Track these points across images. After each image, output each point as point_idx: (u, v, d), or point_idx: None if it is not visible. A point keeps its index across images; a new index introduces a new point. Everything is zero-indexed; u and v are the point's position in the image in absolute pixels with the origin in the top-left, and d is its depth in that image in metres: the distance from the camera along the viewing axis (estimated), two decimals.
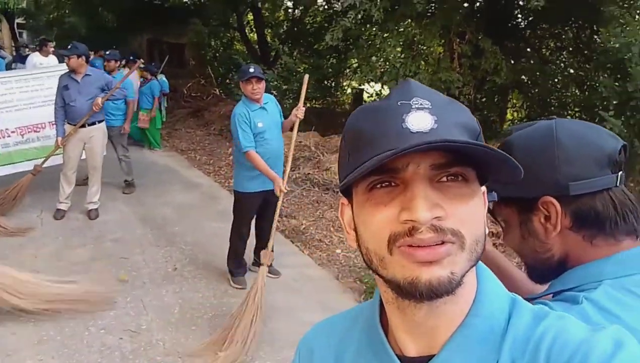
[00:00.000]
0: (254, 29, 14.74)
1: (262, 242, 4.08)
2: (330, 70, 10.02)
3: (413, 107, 0.52)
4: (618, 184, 0.78)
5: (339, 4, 7.10)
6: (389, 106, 0.54)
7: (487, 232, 0.56)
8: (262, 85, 3.70)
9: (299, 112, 3.76)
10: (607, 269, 0.77)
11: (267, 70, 9.75)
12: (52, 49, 7.01)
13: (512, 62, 8.09)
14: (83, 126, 4.90)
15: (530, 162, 0.77)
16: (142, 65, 8.47)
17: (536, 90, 8.77)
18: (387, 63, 7.93)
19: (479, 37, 7.33)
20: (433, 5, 8.03)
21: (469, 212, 0.53)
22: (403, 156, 0.49)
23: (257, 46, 14.02)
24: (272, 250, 3.62)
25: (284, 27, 14.49)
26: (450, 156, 0.51)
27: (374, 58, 8.22)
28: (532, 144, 0.83)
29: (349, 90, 12.18)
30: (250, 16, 14.95)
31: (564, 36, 8.94)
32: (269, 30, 14.70)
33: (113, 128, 5.83)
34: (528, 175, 0.72)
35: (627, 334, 0.52)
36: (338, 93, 11.55)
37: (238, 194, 3.89)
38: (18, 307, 3.07)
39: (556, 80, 8.60)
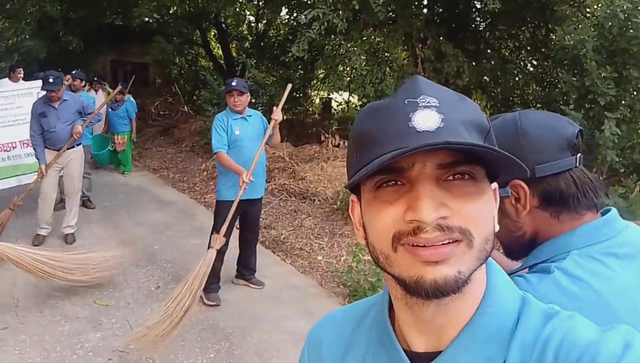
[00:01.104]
0: (219, 45, 14.80)
1: (246, 255, 4.12)
2: (298, 81, 10.14)
3: (420, 105, 0.52)
4: (578, 165, 0.89)
5: (303, 16, 7.21)
6: (396, 105, 0.53)
7: (497, 229, 0.56)
8: (244, 98, 3.85)
9: (276, 113, 3.86)
10: (573, 241, 0.86)
11: None
12: (21, 75, 6.90)
13: (474, 63, 8.37)
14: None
15: None
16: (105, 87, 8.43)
17: (498, 89, 9.08)
18: (354, 71, 8.10)
19: (441, 42, 7.56)
20: (394, 13, 8.24)
21: (477, 210, 0.52)
22: (408, 156, 0.49)
23: (222, 61, 14.06)
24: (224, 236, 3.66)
25: (249, 41, 14.58)
26: (457, 155, 0.51)
27: (340, 67, 8.38)
28: (499, 134, 0.92)
29: (318, 100, 12.34)
30: (214, 32, 14.99)
31: (521, 36, 9.30)
32: (234, 45, 14.77)
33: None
34: None
35: (637, 334, 0.52)
36: (307, 103, 11.68)
37: (218, 203, 3.99)
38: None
39: (517, 78, 8.92)
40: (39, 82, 5.66)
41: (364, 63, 8.10)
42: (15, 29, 12.73)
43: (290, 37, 11.07)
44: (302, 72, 10.41)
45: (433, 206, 0.49)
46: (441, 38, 7.85)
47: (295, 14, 10.84)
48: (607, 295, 0.78)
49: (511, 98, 9.08)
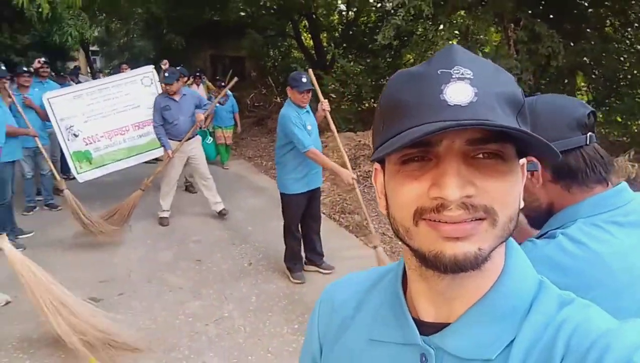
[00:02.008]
0: (310, 35, 15.14)
1: (313, 241, 4.29)
2: (386, 68, 10.14)
3: (453, 76, 0.50)
4: (588, 143, 0.97)
5: (389, 3, 7.23)
6: (429, 74, 0.52)
7: (522, 206, 0.55)
8: (310, 95, 3.89)
9: (324, 105, 3.93)
10: (581, 210, 0.96)
11: (324, 74, 10.04)
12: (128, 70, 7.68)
13: (572, 44, 7.87)
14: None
15: None
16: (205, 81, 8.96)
17: (600, 70, 8.46)
18: None
19: (535, 22, 7.22)
20: None
21: (504, 189, 0.51)
22: (436, 134, 0.47)
23: (313, 52, 14.38)
24: None
25: (339, 30, 14.75)
26: (488, 132, 0.49)
27: (429, 53, 8.29)
28: None
29: None
30: (305, 23, 15.36)
31: (629, 12, 8.56)
32: (324, 35, 15.03)
33: None
34: None
35: None
36: None
37: (286, 196, 4.03)
38: (55, 331, 2.97)
39: (622, 58, 8.26)
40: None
41: None
42: (126, 29, 13.98)
43: (380, 24, 11.08)
44: (390, 59, 10.40)
45: (458, 184, 0.48)
46: (536, 18, 7.48)
47: (384, 1, 10.83)
48: (605, 256, 0.87)
49: (616, 79, 8.44)
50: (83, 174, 5.77)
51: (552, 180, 0.99)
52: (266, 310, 3.68)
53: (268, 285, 4.08)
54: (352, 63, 10.16)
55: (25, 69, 5.94)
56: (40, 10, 6.26)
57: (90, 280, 4.12)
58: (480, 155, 0.51)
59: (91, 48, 21.61)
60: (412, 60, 8.93)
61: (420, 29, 8.28)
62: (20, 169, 5.75)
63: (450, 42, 7.83)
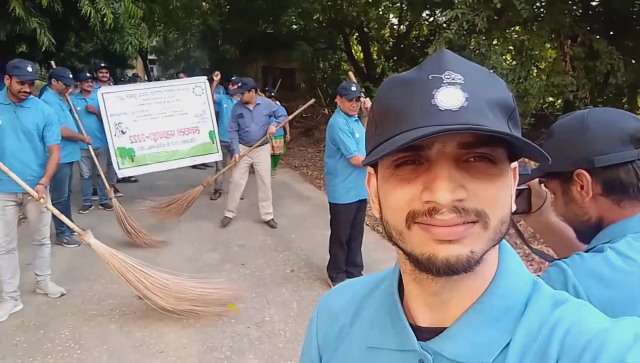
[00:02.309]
0: (360, 48, 15.24)
1: (354, 252, 4.28)
2: None
3: (444, 81, 0.50)
4: None
5: (442, 16, 7.19)
6: (420, 79, 0.52)
7: (513, 209, 0.55)
8: (359, 103, 3.92)
9: (367, 102, 3.96)
10: (630, 226, 0.94)
11: (373, 86, 10.06)
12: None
13: (633, 61, 7.57)
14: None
15: (565, 142, 0.99)
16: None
17: None
18: (495, 70, 7.84)
19: (593, 38, 7.00)
20: (541, 9, 7.82)
21: (495, 193, 0.51)
22: (426, 138, 0.48)
23: (363, 64, 14.46)
24: None
25: (390, 43, 14.77)
26: (479, 136, 0.49)
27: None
28: (566, 129, 1.02)
29: None
30: (356, 36, 15.47)
31: None
32: (375, 48, 15.08)
33: None
34: (563, 153, 0.96)
35: None
36: None
37: (335, 206, 4.03)
38: (161, 307, 3.44)
39: None
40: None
41: (506, 62, 7.82)
42: (183, 40, 14.50)
43: (432, 38, 11.02)
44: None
45: (450, 188, 0.49)
46: (594, 35, 7.25)
47: (436, 15, 10.78)
48: None
49: None
50: (124, 169, 5.99)
51: (603, 193, 0.97)
52: (307, 316, 3.69)
53: (309, 292, 4.09)
54: None
55: (87, 74, 6.26)
56: (104, 19, 6.58)
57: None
58: (472, 159, 0.51)
59: (149, 57, 22.60)
60: None
61: (472, 44, 8.17)
62: (78, 169, 6.05)
63: (504, 57, 7.70)
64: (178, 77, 8.24)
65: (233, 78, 6.96)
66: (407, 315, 0.61)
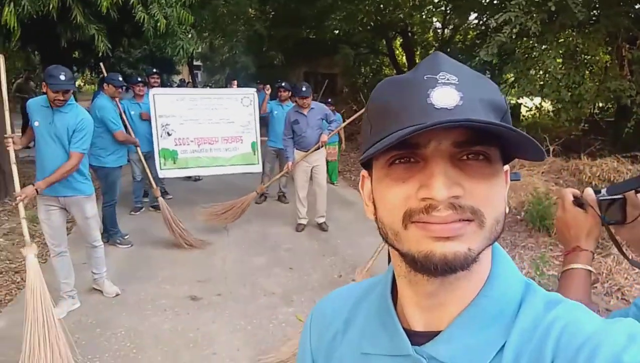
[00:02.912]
0: (403, 53, 15.12)
1: None
2: None
3: (439, 81, 0.51)
4: None
5: (493, 20, 7.04)
6: (415, 80, 0.53)
7: (507, 211, 0.55)
8: None
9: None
10: None
11: None
12: (235, 85, 8.05)
13: None
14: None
15: None
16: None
17: None
18: (547, 75, 7.62)
19: None
20: (596, 11, 7.55)
21: (490, 192, 0.52)
22: (425, 132, 0.48)
23: (405, 69, 14.35)
24: None
25: (434, 47, 14.60)
26: (474, 134, 0.50)
27: (532, 71, 7.95)
28: None
29: None
30: (399, 40, 15.37)
31: None
32: (418, 52, 14.93)
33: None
34: None
35: None
36: None
37: None
38: None
39: None
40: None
41: (560, 66, 7.57)
42: (230, 46, 14.76)
43: (478, 42, 10.82)
44: (489, 76, 10.08)
45: (446, 184, 0.49)
46: None
47: (484, 18, 10.57)
48: None
49: None
50: (165, 170, 6.11)
51: None
52: None
53: None
54: None
55: (139, 79, 6.43)
56: (157, 25, 6.74)
57: (189, 279, 4.33)
58: (466, 157, 0.51)
59: (194, 63, 23.09)
60: (512, 78, 8.60)
61: (524, 47, 7.97)
62: (131, 171, 6.22)
63: (557, 60, 7.47)
64: (230, 84, 8.33)
65: (283, 84, 6.97)
66: (400, 319, 0.60)
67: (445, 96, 0.50)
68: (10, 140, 3.29)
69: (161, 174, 6.13)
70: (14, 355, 3.17)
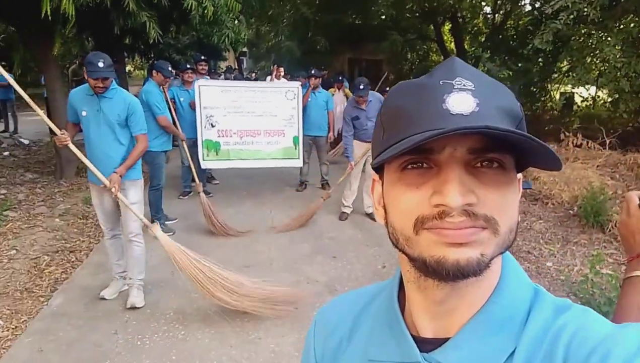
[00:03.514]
0: (452, 39, 14.74)
1: None
2: (536, 74, 9.50)
3: (455, 87, 0.51)
4: None
5: (548, 6, 6.75)
6: (431, 84, 0.52)
7: (519, 220, 0.55)
8: None
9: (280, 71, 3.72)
10: None
11: None
12: (282, 73, 8.06)
13: None
14: None
15: None
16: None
17: None
18: (605, 63, 7.26)
19: None
20: None
21: (504, 200, 0.51)
22: (441, 139, 0.48)
23: (454, 55, 14.00)
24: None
25: (484, 33, 14.17)
26: (489, 141, 0.49)
27: (588, 59, 7.61)
28: None
29: (558, 96, 11.35)
30: (447, 26, 14.99)
31: None
32: (467, 39, 14.52)
33: (320, 138, 6.65)
34: None
35: None
36: (545, 98, 10.85)
37: None
38: (228, 303, 3.42)
39: None
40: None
41: (619, 54, 7.20)
42: (275, 31, 14.79)
43: (531, 28, 10.41)
44: (542, 64, 9.73)
45: (461, 191, 0.48)
46: None
47: (538, 4, 10.15)
48: None
49: None
50: (207, 161, 6.18)
51: None
52: None
53: None
54: (498, 67, 9.66)
55: (188, 66, 6.54)
56: (204, 12, 6.83)
57: (235, 264, 4.40)
58: (480, 164, 0.51)
59: (240, 49, 23.28)
60: (567, 67, 8.25)
61: (581, 34, 7.61)
62: (180, 156, 6.37)
63: (616, 48, 7.10)
64: (272, 70, 8.35)
65: (313, 71, 6.82)
66: (408, 326, 0.60)
67: (461, 102, 0.50)
68: (66, 136, 3.33)
69: (203, 165, 6.21)
70: (71, 330, 3.34)
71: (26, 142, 10.03)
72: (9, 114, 11.68)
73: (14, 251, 4.55)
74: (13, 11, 5.93)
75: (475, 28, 14.73)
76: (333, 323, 0.71)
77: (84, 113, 3.49)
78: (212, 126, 6.16)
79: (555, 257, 4.84)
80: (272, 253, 4.74)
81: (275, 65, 8.21)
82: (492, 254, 0.51)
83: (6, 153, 8.93)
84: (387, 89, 8.32)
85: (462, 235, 0.49)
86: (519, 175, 0.56)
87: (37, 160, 8.40)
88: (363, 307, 0.69)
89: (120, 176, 3.47)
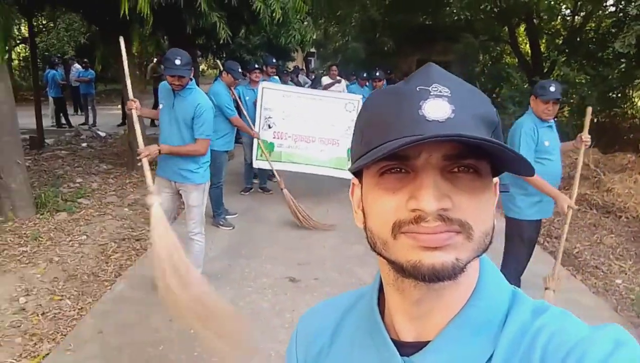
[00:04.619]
0: (527, 40, 14.14)
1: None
2: (616, 80, 8.91)
3: (432, 93, 0.51)
4: None
5: (633, 6, 6.31)
6: (408, 91, 0.53)
7: (495, 224, 0.55)
8: (557, 107, 3.38)
9: (586, 140, 3.40)
10: None
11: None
12: (335, 72, 8.12)
13: None
14: None
15: None
16: None
17: None
18: None
19: None
20: None
21: (478, 206, 0.52)
22: (417, 145, 0.48)
23: (528, 58, 13.42)
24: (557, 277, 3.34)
25: (562, 36, 13.49)
26: (464, 148, 0.50)
27: None
28: None
29: None
30: (522, 28, 14.40)
31: None
32: (544, 41, 13.88)
33: None
34: None
35: (627, 334, 0.50)
36: (625, 105, 10.15)
37: (517, 223, 3.47)
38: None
39: None
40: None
41: None
42: (343, 32, 14.85)
43: (613, 31, 9.77)
44: (623, 70, 9.10)
45: (435, 196, 0.49)
46: None
47: (622, 5, 9.52)
48: None
49: None
50: (260, 161, 6.23)
51: None
52: None
53: None
54: (575, 71, 9.15)
55: (256, 65, 6.68)
56: (273, 14, 6.96)
57: (288, 260, 4.47)
58: (456, 170, 0.51)
59: (308, 50, 23.56)
60: None
61: None
62: (243, 153, 6.53)
63: None
64: (330, 70, 8.39)
65: (377, 73, 6.78)
66: (389, 330, 0.60)
67: (437, 108, 0.50)
68: (133, 103, 3.45)
69: (255, 164, 6.30)
70: (130, 315, 3.51)
71: (103, 134, 10.67)
72: (89, 107, 12.47)
73: (85, 236, 4.85)
74: (95, 11, 6.32)
75: (552, 30, 14.05)
76: (315, 329, 0.71)
77: (161, 105, 3.67)
78: (269, 127, 6.26)
79: (625, 274, 4.53)
80: (325, 252, 4.76)
81: (329, 64, 8.26)
82: (467, 259, 0.52)
83: (84, 144, 9.55)
84: None
85: (437, 239, 0.50)
86: (495, 179, 0.57)
87: (112, 152, 8.92)
88: (344, 313, 0.69)
89: (160, 152, 3.44)
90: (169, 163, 3.63)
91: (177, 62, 3.39)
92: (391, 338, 0.59)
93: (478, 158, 0.52)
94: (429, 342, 0.56)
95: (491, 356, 0.53)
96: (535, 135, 3.33)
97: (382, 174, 0.53)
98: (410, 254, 0.51)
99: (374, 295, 0.64)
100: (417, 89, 0.52)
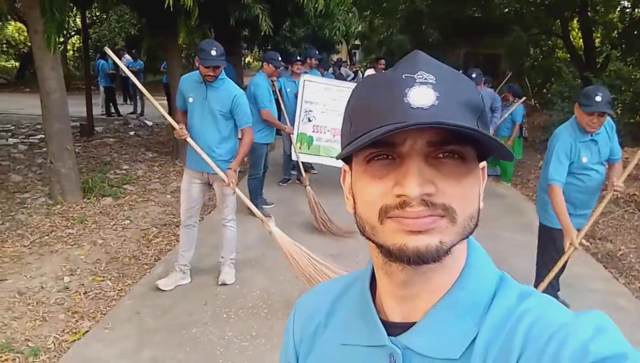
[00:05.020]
0: (580, 35, 13.58)
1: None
2: None
3: (417, 81, 0.52)
4: None
5: None
6: (394, 78, 0.54)
7: (481, 207, 0.57)
8: (603, 119, 3.02)
9: (618, 188, 3.10)
10: None
11: (593, 77, 8.88)
12: (382, 66, 8.03)
13: None
14: None
15: None
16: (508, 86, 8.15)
17: None
18: None
19: None
20: None
21: (462, 190, 0.53)
22: (401, 132, 0.49)
23: (581, 52, 12.88)
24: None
25: (618, 29, 12.87)
26: (448, 134, 0.51)
27: None
28: None
29: None
30: (575, 22, 13.83)
31: None
32: (598, 34, 13.30)
33: None
34: None
35: (609, 320, 0.51)
36: None
37: (550, 230, 3.33)
38: None
39: None
40: None
41: None
42: (388, 24, 14.70)
43: None
44: None
45: (419, 182, 0.50)
46: None
47: None
48: None
49: None
50: (299, 153, 6.22)
51: None
52: None
53: None
54: (630, 67, 8.72)
55: (298, 57, 6.72)
56: (316, 6, 6.98)
57: (323, 251, 4.46)
58: (441, 155, 0.53)
59: (353, 42, 23.46)
60: None
61: None
62: (282, 145, 6.60)
63: None
64: (377, 63, 8.32)
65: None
66: (379, 311, 0.62)
67: (421, 96, 0.51)
68: (184, 131, 3.49)
69: (294, 156, 6.28)
70: (166, 298, 3.64)
71: (150, 123, 11.03)
72: (138, 97, 12.89)
73: (128, 221, 5.05)
74: (144, 3, 6.52)
75: (608, 23, 13.43)
76: (311, 310, 0.74)
77: (190, 99, 3.59)
78: (309, 121, 6.28)
79: None
80: (358, 245, 4.75)
81: (375, 57, 8.19)
82: (451, 242, 0.53)
83: (132, 133, 9.90)
84: (512, 86, 7.86)
85: (421, 223, 0.52)
86: (482, 164, 0.59)
87: (158, 140, 9.20)
88: (339, 295, 0.72)
89: (235, 171, 3.60)
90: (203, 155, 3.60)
91: (213, 52, 3.39)
92: (381, 319, 0.61)
93: (461, 144, 0.53)
94: (416, 322, 0.58)
95: (475, 338, 0.55)
96: (572, 152, 3.09)
97: (370, 160, 0.55)
98: (396, 238, 0.53)
99: (367, 278, 0.67)
100: (403, 76, 0.53)
